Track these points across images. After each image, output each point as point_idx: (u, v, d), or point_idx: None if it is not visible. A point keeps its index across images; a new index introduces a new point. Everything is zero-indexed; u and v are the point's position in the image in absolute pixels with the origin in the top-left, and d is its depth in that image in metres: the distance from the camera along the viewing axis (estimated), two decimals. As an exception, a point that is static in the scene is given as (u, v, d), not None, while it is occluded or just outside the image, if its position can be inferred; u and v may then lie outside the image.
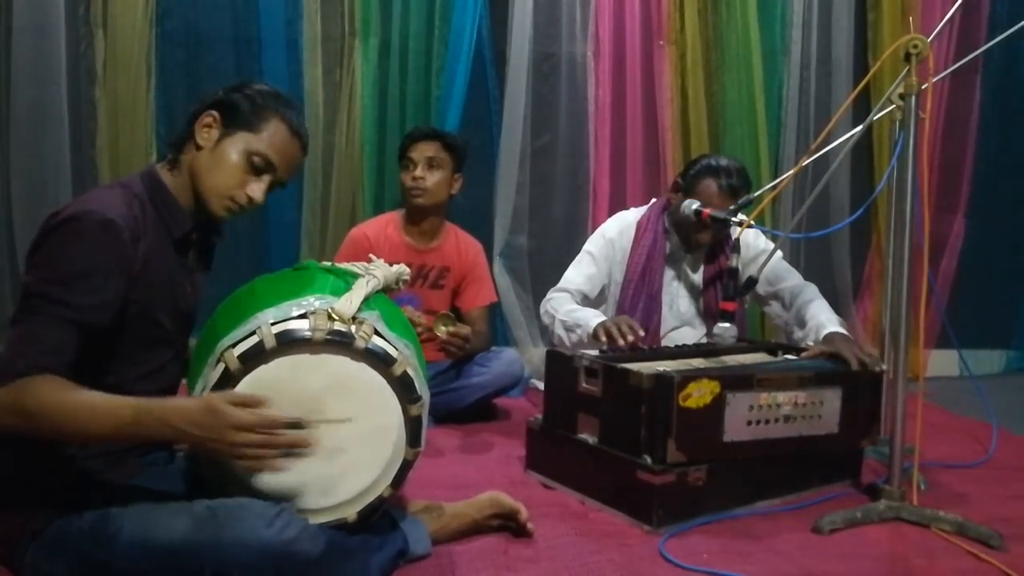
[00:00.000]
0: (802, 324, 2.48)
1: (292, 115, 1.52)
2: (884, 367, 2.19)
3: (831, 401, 2.07)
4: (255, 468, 1.31)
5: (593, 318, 2.35)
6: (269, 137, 1.49)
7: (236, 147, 1.47)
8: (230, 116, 1.49)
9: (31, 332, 1.29)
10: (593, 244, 2.66)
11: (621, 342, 2.16)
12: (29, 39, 2.90)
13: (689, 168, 2.58)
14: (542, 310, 2.58)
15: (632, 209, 2.77)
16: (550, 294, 2.59)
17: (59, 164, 2.95)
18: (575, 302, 2.53)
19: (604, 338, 2.20)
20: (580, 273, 2.61)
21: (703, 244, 2.57)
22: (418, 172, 2.74)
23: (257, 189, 1.49)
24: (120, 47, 3.00)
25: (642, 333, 2.19)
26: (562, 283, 2.61)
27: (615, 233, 2.65)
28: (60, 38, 2.93)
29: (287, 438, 1.30)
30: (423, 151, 2.76)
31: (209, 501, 1.35)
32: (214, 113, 1.49)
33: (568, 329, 2.41)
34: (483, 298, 2.95)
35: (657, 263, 2.59)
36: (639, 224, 2.64)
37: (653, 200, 2.74)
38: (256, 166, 1.48)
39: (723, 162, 2.50)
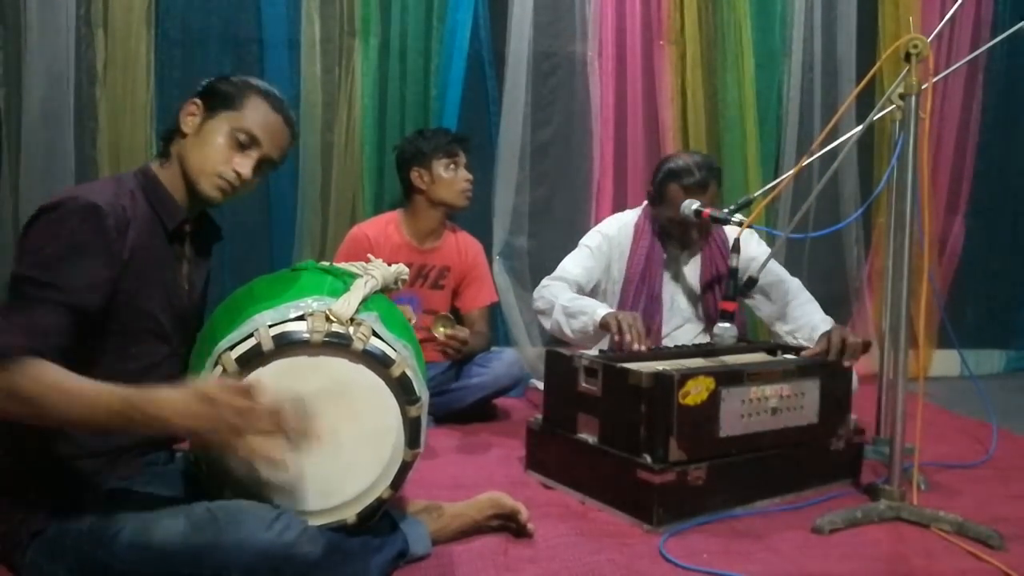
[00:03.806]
0: (789, 322, 2.49)
1: (272, 95, 1.56)
2: (849, 363, 2.19)
3: (811, 392, 2.09)
4: (256, 459, 1.25)
5: (600, 307, 2.34)
6: (251, 113, 1.52)
7: (219, 127, 1.51)
8: (212, 101, 1.53)
9: (20, 316, 1.28)
10: (591, 239, 2.67)
11: (636, 346, 2.16)
12: (38, 40, 2.90)
13: (655, 175, 2.59)
14: (536, 295, 2.57)
15: (628, 210, 2.78)
16: (546, 281, 2.59)
17: (65, 163, 2.95)
18: (572, 292, 2.53)
19: (615, 332, 2.21)
20: (577, 264, 2.61)
21: (695, 241, 2.57)
22: (469, 175, 2.80)
23: (243, 164, 1.51)
24: (120, 47, 3.00)
25: (644, 347, 2.19)
26: (558, 272, 2.61)
27: (613, 231, 2.66)
28: (69, 38, 2.93)
29: (284, 429, 1.26)
30: (464, 157, 2.81)
31: (209, 503, 1.35)
32: (197, 101, 1.53)
33: (571, 315, 2.40)
34: (483, 298, 2.95)
35: (656, 264, 2.60)
36: (636, 226, 2.65)
37: (646, 203, 2.75)
38: (241, 142, 1.51)
39: (681, 161, 2.50)
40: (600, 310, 2.32)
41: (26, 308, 1.29)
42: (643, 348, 2.16)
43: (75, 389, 1.24)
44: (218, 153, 1.50)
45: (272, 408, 1.23)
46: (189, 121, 1.53)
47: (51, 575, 1.36)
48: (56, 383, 1.24)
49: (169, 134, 1.56)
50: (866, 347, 2.24)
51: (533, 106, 3.40)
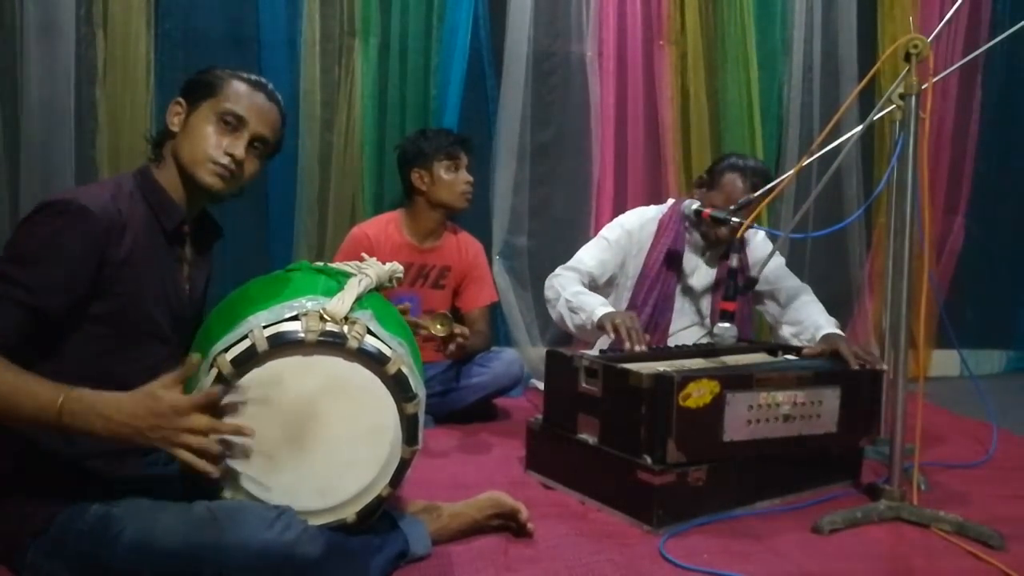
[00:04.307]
0: (794, 323, 2.49)
1: (250, 77, 1.58)
2: (885, 366, 2.19)
3: (830, 400, 2.07)
4: (196, 462, 1.27)
5: (599, 307, 2.35)
6: (231, 95, 1.54)
7: (204, 115, 1.53)
8: (193, 95, 1.55)
9: None
10: (611, 231, 2.67)
11: (628, 346, 2.17)
12: (38, 40, 2.90)
13: (716, 164, 2.61)
14: (547, 284, 2.59)
15: (652, 206, 2.78)
16: (559, 270, 2.59)
17: (65, 164, 2.95)
18: (582, 283, 2.53)
19: (612, 333, 2.21)
20: (593, 256, 2.62)
21: (722, 238, 2.57)
22: (470, 177, 2.80)
23: (235, 145, 1.53)
24: (120, 47, 3.00)
25: (644, 347, 2.20)
26: (573, 261, 2.61)
27: (635, 226, 2.66)
28: (69, 38, 2.93)
29: (229, 425, 1.30)
30: (465, 159, 2.81)
31: (209, 503, 1.35)
32: (180, 100, 1.56)
33: (572, 310, 2.42)
34: (483, 298, 2.95)
35: (675, 263, 2.60)
36: (661, 222, 2.64)
37: (672, 200, 2.75)
38: (228, 123, 1.53)
39: (750, 162, 2.56)
40: (599, 310, 2.32)
41: None
42: (642, 348, 2.17)
43: (15, 380, 1.26)
44: (207, 140, 1.51)
45: (207, 398, 1.27)
46: (175, 120, 1.55)
47: (52, 575, 1.36)
48: None
49: (160, 137, 1.58)
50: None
51: (533, 106, 3.40)
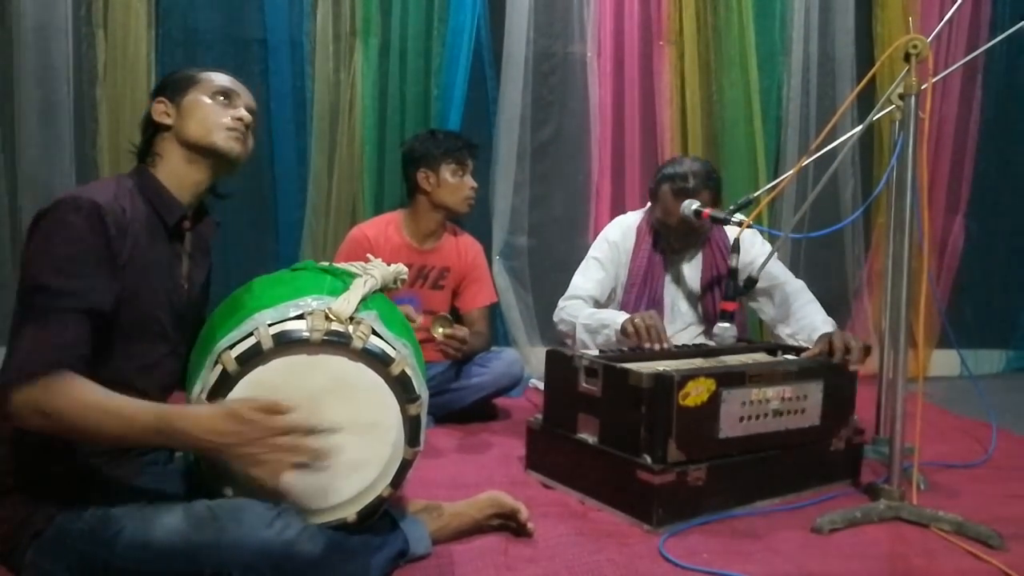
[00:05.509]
0: (791, 323, 2.49)
1: (214, 68, 1.65)
2: (856, 367, 2.19)
3: (814, 394, 2.09)
4: (271, 476, 1.30)
5: (618, 315, 2.38)
6: (213, 79, 1.60)
7: (197, 98, 1.57)
8: (173, 91, 1.58)
9: (42, 328, 1.29)
10: (598, 249, 2.68)
11: (656, 346, 2.18)
12: (35, 40, 2.91)
13: (655, 176, 2.61)
14: (556, 318, 2.60)
15: (631, 212, 2.79)
16: (562, 303, 2.61)
17: (63, 164, 2.96)
18: (589, 308, 2.54)
19: (632, 330, 2.23)
20: (589, 279, 2.63)
21: (685, 245, 2.59)
22: (475, 183, 2.81)
23: (238, 111, 1.58)
24: (120, 47, 3.01)
25: (668, 343, 2.22)
26: (572, 290, 2.63)
27: (618, 236, 2.67)
28: (66, 39, 2.94)
29: (310, 446, 1.31)
30: (471, 165, 2.82)
31: (209, 501, 1.35)
32: (160, 98, 1.58)
33: (593, 331, 2.42)
34: (483, 298, 2.95)
35: (657, 267, 2.61)
36: (639, 229, 2.65)
37: (649, 204, 2.75)
38: (225, 96, 1.58)
39: (679, 167, 2.51)
40: (620, 318, 2.35)
41: (45, 320, 1.30)
42: (664, 347, 2.20)
43: (108, 405, 1.27)
44: (213, 111, 1.56)
45: (295, 425, 1.28)
46: (165, 117, 1.57)
47: (52, 574, 1.36)
48: (87, 399, 1.26)
49: (146, 142, 1.59)
50: (867, 351, 2.24)
51: (533, 106, 3.41)
